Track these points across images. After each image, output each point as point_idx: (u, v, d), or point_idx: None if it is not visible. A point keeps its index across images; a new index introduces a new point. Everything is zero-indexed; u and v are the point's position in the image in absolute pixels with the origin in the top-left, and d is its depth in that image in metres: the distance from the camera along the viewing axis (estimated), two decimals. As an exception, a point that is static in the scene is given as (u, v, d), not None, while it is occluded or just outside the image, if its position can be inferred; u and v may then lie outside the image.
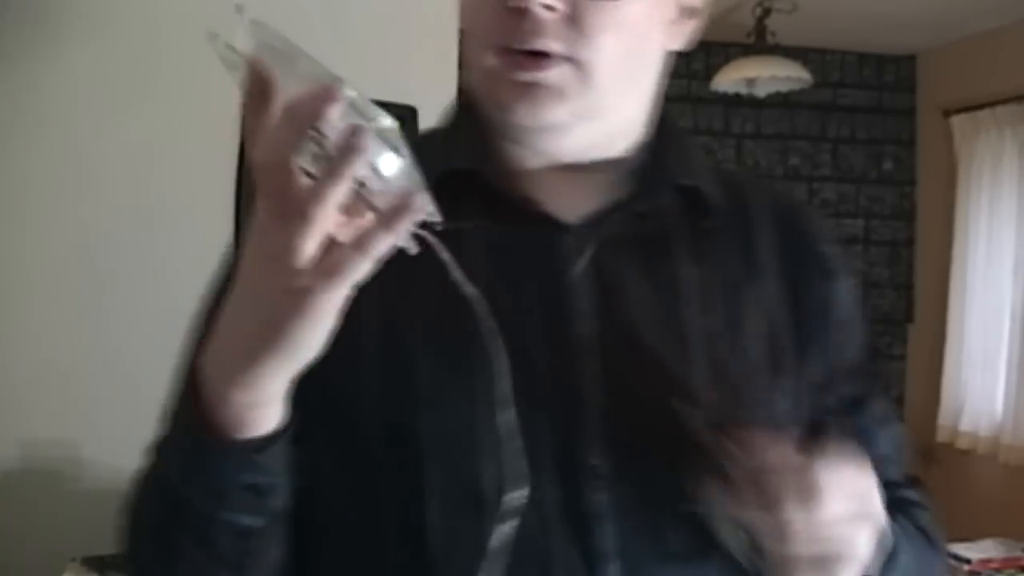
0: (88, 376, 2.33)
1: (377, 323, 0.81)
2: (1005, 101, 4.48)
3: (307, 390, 0.71)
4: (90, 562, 2.10)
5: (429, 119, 2.74)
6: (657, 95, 0.91)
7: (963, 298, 4.71)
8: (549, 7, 0.78)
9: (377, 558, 0.83)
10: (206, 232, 2.40)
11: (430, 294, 0.78)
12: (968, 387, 4.67)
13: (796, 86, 4.33)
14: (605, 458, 0.81)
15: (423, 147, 0.67)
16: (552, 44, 0.79)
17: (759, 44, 4.30)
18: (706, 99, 4.85)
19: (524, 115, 0.81)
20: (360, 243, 0.62)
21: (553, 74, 0.80)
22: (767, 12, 4.26)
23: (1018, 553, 3.11)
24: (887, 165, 5.27)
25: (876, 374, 0.98)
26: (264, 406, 0.70)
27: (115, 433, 2.35)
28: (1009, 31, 4.48)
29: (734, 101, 4.80)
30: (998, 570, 3.04)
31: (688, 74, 5.01)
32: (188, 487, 0.73)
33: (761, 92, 4.41)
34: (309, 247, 0.61)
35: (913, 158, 5.28)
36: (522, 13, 0.78)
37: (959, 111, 4.77)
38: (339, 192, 0.60)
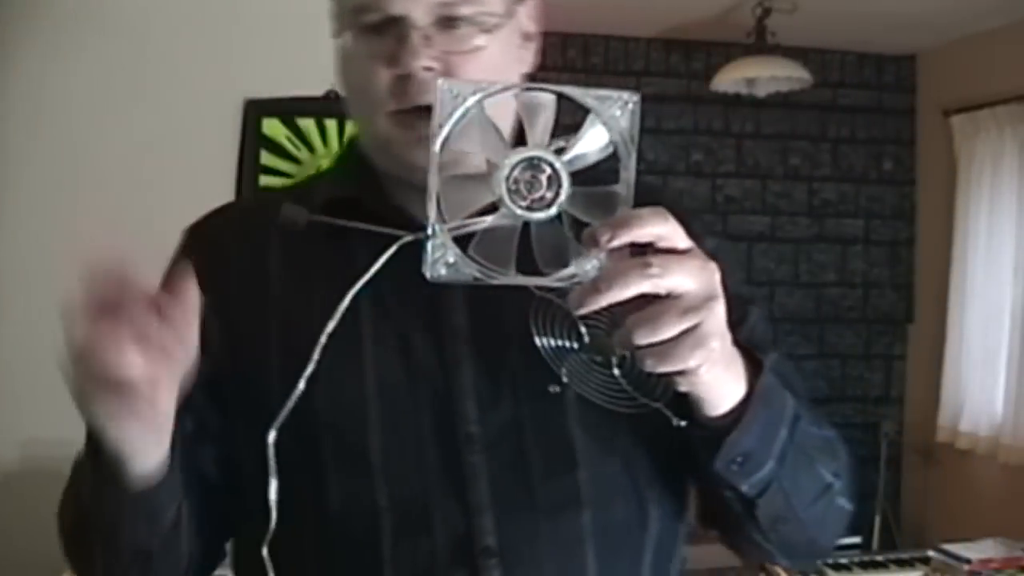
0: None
1: (279, 320, 0.96)
2: (1005, 101, 4.47)
3: (221, 390, 0.91)
4: (90, 562, 2.11)
5: (429, 119, 2.71)
6: None
7: (963, 298, 4.71)
8: (428, 68, 0.91)
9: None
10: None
11: (327, 294, 0.87)
12: (968, 387, 4.66)
13: (796, 86, 4.33)
14: (479, 425, 0.94)
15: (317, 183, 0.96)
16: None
17: (759, 44, 4.30)
18: (706, 99, 4.85)
19: (425, 160, 0.88)
20: None
21: None
22: (767, 12, 4.27)
23: (1018, 553, 3.11)
24: (887, 165, 5.27)
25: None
26: (142, 450, 0.84)
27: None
28: (1009, 31, 4.48)
29: (734, 101, 4.79)
30: (998, 570, 3.04)
31: (688, 74, 5.02)
32: (96, 506, 0.86)
33: (761, 92, 4.41)
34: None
35: (913, 158, 5.28)
36: (407, 78, 0.92)
37: (959, 111, 4.77)
38: None
